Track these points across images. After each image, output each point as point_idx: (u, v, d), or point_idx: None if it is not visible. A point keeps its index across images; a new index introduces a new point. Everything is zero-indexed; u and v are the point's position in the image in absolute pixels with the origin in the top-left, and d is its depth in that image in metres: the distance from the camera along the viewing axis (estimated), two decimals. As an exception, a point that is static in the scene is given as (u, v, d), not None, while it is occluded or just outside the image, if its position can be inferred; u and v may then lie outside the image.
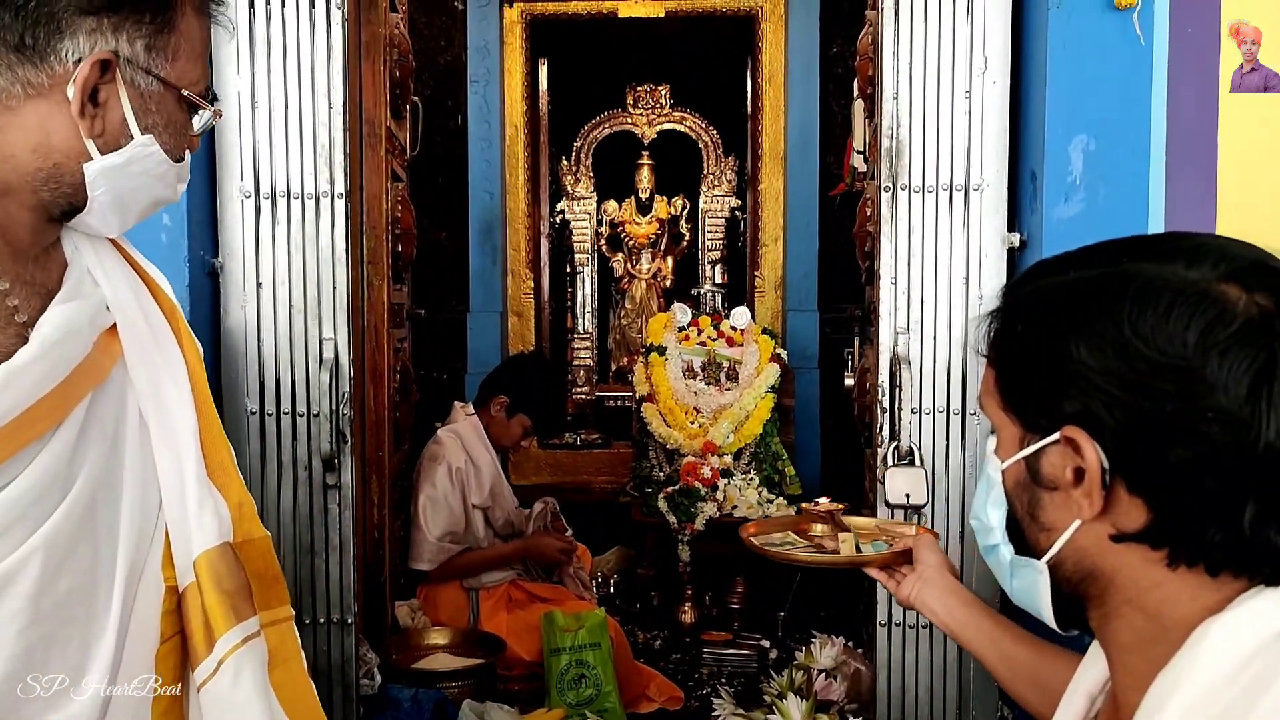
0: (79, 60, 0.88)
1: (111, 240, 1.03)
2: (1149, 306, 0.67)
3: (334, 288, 1.84)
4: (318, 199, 1.84)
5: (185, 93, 0.96)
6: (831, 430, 4.47)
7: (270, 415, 1.85)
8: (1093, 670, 0.84)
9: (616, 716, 2.46)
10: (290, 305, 1.85)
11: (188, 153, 1.00)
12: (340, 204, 1.84)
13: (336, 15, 1.81)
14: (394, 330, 2.60)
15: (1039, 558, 0.76)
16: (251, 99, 1.82)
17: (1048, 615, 0.79)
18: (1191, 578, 0.70)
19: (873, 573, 1.26)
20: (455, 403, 3.02)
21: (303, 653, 1.08)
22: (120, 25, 0.90)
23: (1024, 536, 0.78)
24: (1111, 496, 0.70)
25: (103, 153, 0.91)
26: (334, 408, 1.84)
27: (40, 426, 0.90)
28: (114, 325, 0.99)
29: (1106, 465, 0.69)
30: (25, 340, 0.90)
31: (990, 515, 0.81)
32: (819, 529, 1.35)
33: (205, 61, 1.00)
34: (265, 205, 1.83)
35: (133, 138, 0.93)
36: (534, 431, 2.98)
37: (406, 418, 2.71)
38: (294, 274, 1.85)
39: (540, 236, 5.11)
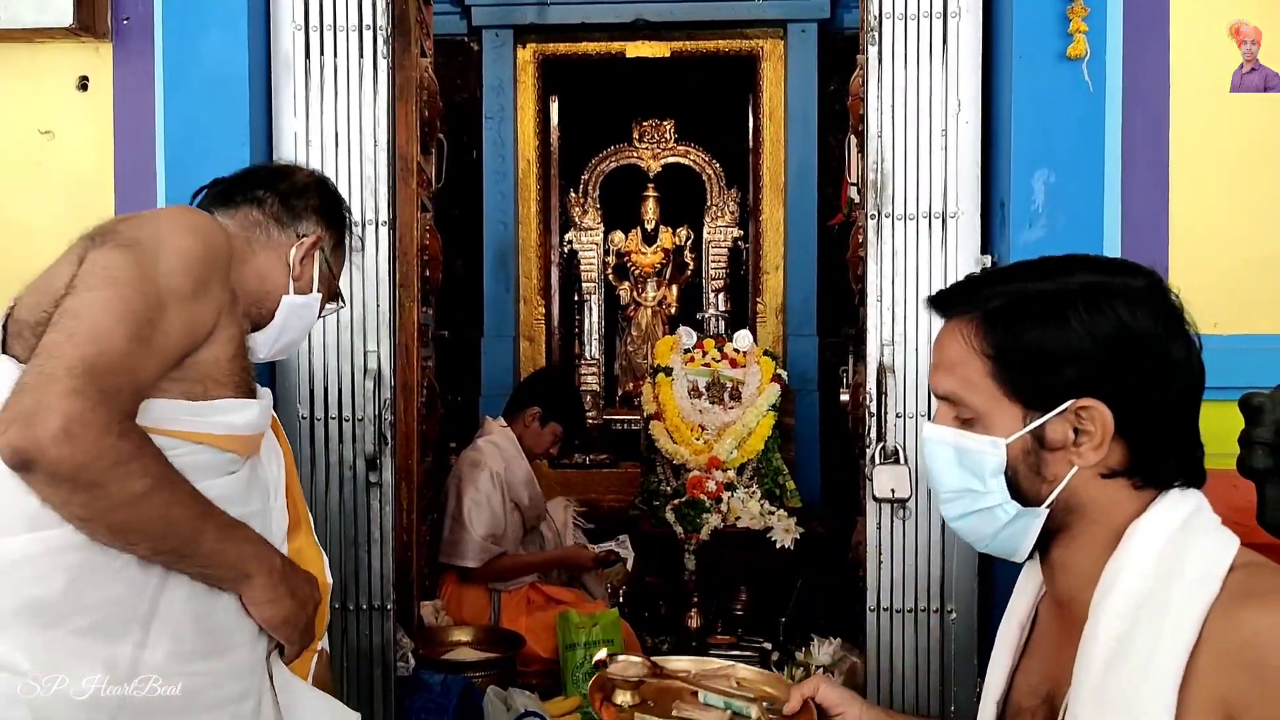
0: (303, 236, 1.44)
1: None
2: (1128, 304, 0.94)
3: (378, 305, 2.06)
4: (363, 226, 2.06)
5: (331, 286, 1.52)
6: (830, 449, 4.66)
7: (319, 420, 2.06)
8: (1021, 603, 1.10)
9: (628, 708, 2.64)
10: (338, 321, 2.06)
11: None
12: (385, 230, 2.06)
13: (383, 64, 2.04)
14: (422, 349, 2.81)
15: (1039, 505, 0.98)
16: (306, 138, 2.05)
17: (1025, 549, 1.01)
18: (1139, 494, 0.97)
19: None
20: (486, 416, 3.25)
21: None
22: (327, 230, 1.47)
23: (1022, 492, 0.98)
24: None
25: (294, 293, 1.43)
26: (377, 413, 2.04)
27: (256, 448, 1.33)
28: None
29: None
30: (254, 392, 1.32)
31: (990, 483, 0.99)
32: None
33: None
34: (317, 232, 2.05)
35: (311, 292, 1.45)
36: (564, 438, 3.19)
37: (432, 430, 2.91)
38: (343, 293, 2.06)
39: (551, 265, 5.34)
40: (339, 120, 2.05)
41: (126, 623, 1.14)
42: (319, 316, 1.52)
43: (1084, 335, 0.93)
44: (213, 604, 1.22)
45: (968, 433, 1.00)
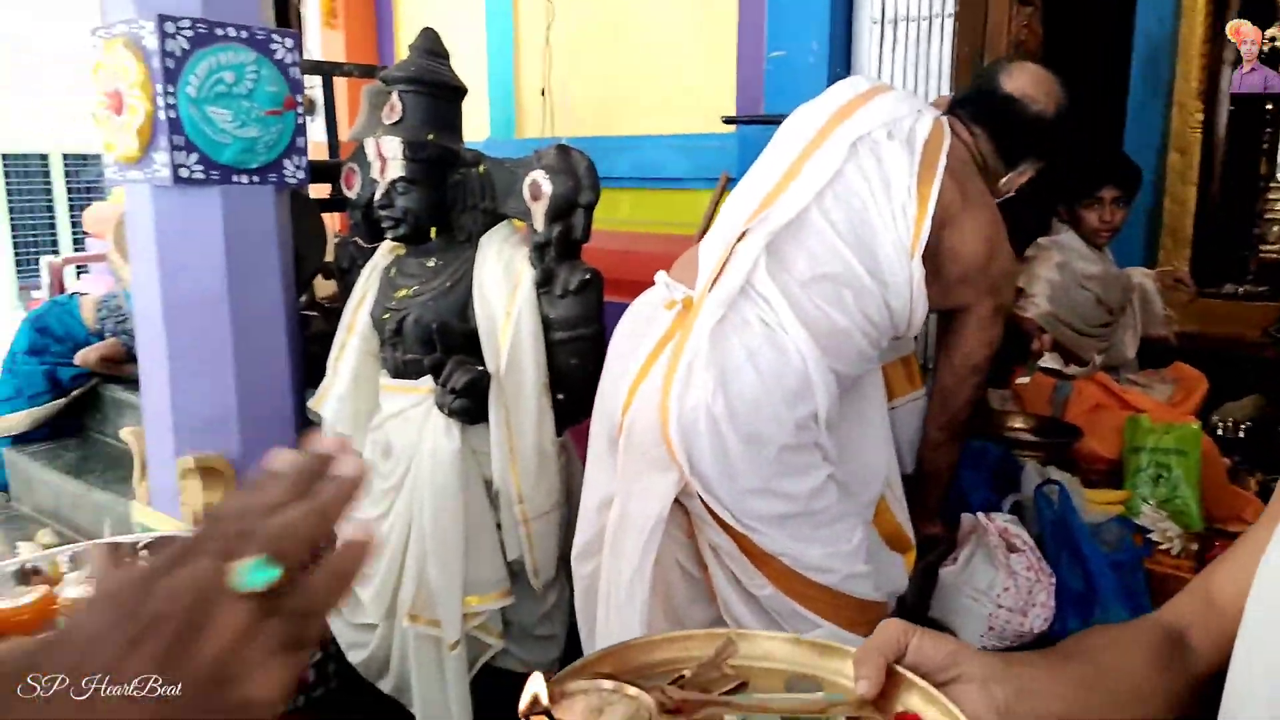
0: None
1: None
2: None
3: (938, 92, 2.23)
4: (931, 20, 2.22)
5: None
6: None
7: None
8: None
9: (1193, 520, 2.53)
10: (902, 110, 2.28)
11: None
12: (948, 23, 2.20)
13: None
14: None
15: None
16: (881, -60, 2.26)
17: None
18: None
19: None
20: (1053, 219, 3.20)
21: None
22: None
23: None
24: None
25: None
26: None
27: None
28: None
29: None
30: None
31: None
32: None
33: None
34: (888, 29, 2.28)
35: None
36: (1091, 195, 2.92)
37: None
38: (905, 87, 2.28)
39: (1222, 65, 4.66)
40: (913, -81, 2.21)
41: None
42: None
43: None
44: None
45: None
